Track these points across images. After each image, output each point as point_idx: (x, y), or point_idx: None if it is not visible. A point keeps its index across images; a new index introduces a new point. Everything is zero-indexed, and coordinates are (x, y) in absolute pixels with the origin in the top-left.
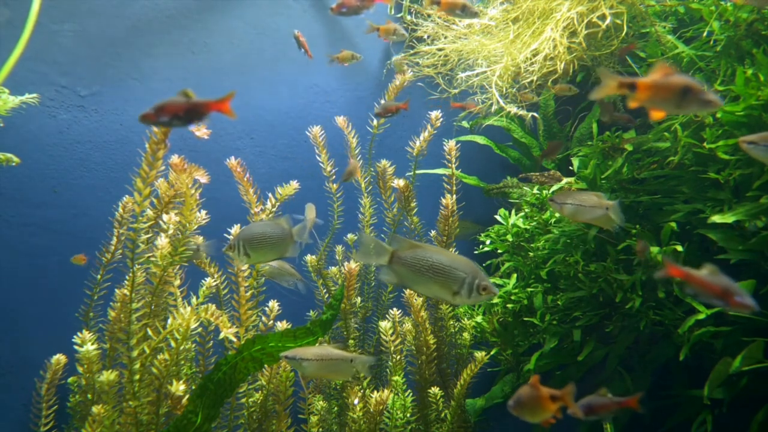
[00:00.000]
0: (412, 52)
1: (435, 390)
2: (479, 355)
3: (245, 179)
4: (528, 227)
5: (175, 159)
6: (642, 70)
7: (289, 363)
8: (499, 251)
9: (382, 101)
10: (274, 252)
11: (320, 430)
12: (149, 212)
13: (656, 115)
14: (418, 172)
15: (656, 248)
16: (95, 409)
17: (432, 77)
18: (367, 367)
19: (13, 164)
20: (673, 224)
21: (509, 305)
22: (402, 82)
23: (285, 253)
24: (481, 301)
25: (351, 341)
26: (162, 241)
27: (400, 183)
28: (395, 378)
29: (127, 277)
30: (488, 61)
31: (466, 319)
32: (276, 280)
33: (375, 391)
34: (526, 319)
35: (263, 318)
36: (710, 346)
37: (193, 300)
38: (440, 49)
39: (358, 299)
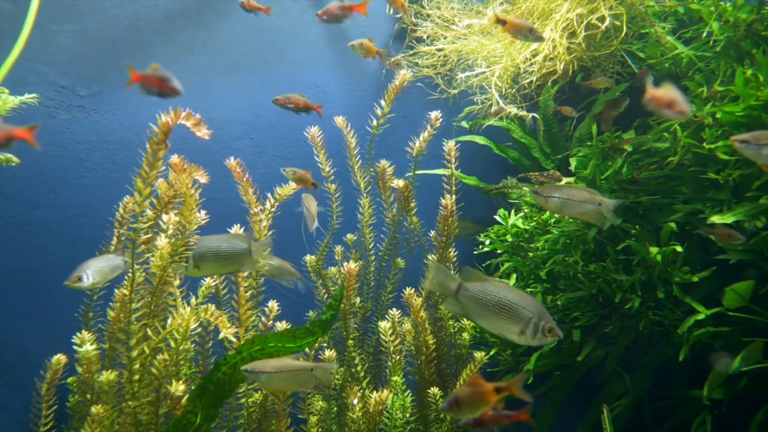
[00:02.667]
0: (411, 52)
1: (434, 390)
2: (479, 355)
3: (245, 179)
4: (527, 227)
5: (174, 159)
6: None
7: (248, 377)
8: (499, 251)
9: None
10: (226, 267)
11: (320, 430)
12: (149, 212)
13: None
14: (417, 172)
15: (656, 248)
16: (94, 409)
17: (431, 77)
18: (329, 374)
19: (13, 164)
20: (673, 224)
21: None
22: (402, 81)
23: (239, 269)
24: (545, 343)
25: (350, 341)
26: (162, 241)
27: (399, 183)
28: (395, 378)
29: (126, 277)
30: (488, 61)
31: (465, 319)
32: (276, 279)
33: (374, 392)
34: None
35: (263, 318)
36: (710, 347)
37: (193, 300)
38: (440, 50)
39: (358, 299)
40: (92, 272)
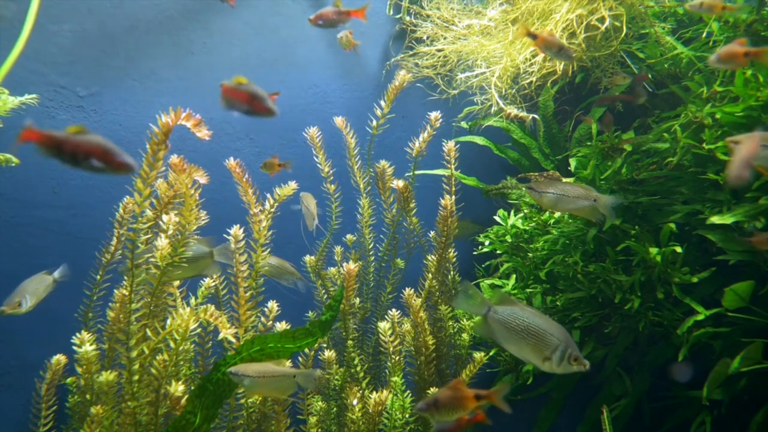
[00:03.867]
0: (411, 53)
1: (434, 391)
2: (478, 355)
3: (244, 180)
4: (527, 228)
5: (174, 159)
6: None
7: (232, 380)
8: (498, 252)
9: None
10: (189, 271)
11: (319, 430)
12: (149, 213)
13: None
14: (417, 172)
15: (655, 249)
16: (94, 409)
17: (431, 78)
18: (310, 381)
19: (13, 165)
20: (672, 225)
21: None
22: (401, 82)
23: (201, 273)
24: (570, 371)
25: (350, 342)
26: (162, 241)
27: (399, 183)
28: (394, 379)
29: (126, 278)
30: (487, 62)
31: (465, 319)
32: (276, 278)
33: (374, 392)
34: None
35: (262, 319)
36: (709, 347)
37: (192, 300)
38: (439, 50)
39: (357, 300)
40: (30, 296)
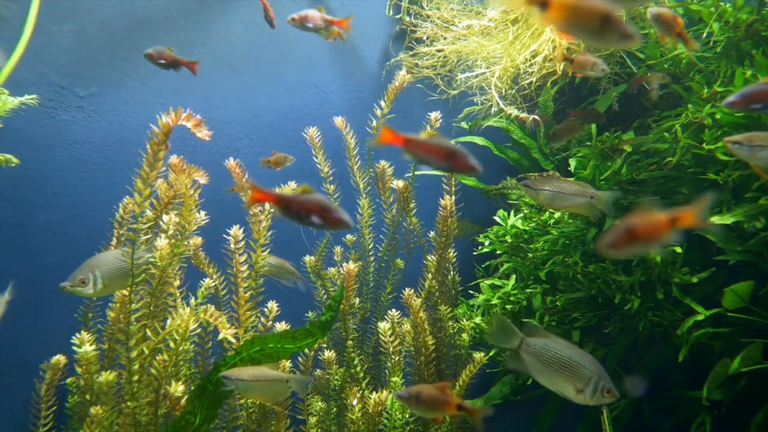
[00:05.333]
0: (411, 53)
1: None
2: (478, 356)
3: (244, 180)
4: (527, 228)
5: (174, 159)
6: (641, 71)
7: (225, 383)
8: (498, 252)
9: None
10: (127, 279)
11: (319, 430)
12: (149, 213)
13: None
14: (417, 173)
15: None
16: (93, 410)
17: (431, 78)
18: (303, 387)
19: (13, 165)
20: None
21: (508, 306)
22: (402, 82)
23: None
24: (603, 403)
25: (350, 342)
26: (161, 241)
27: (399, 184)
28: (394, 379)
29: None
30: (487, 62)
31: (465, 320)
32: (276, 278)
33: (374, 392)
34: (525, 320)
35: (262, 319)
36: (709, 347)
37: (192, 301)
38: (439, 51)
39: (357, 300)
40: None
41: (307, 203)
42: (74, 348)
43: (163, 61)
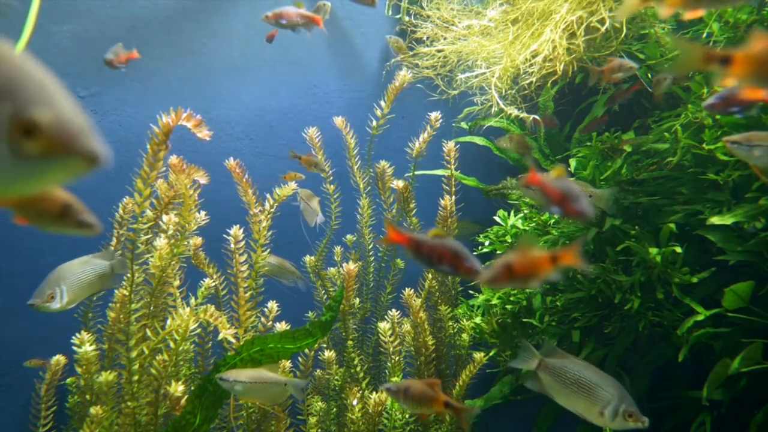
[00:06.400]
0: (411, 53)
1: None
2: (478, 356)
3: (244, 180)
4: (527, 228)
5: (173, 160)
6: (641, 71)
7: (222, 385)
8: (499, 252)
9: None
10: (92, 289)
11: (319, 431)
12: (149, 213)
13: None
14: (417, 173)
15: (655, 249)
16: (93, 410)
17: (431, 78)
18: (299, 391)
19: None
20: (672, 225)
21: (508, 306)
22: (402, 82)
23: (105, 288)
24: (625, 427)
25: (350, 342)
26: (161, 241)
27: (399, 184)
28: (394, 379)
29: (125, 278)
30: (487, 62)
31: (465, 320)
32: (276, 278)
33: (374, 392)
34: (525, 320)
35: (262, 319)
36: (709, 347)
37: (192, 301)
38: (439, 51)
39: (357, 300)
40: None
41: (438, 248)
42: (74, 348)
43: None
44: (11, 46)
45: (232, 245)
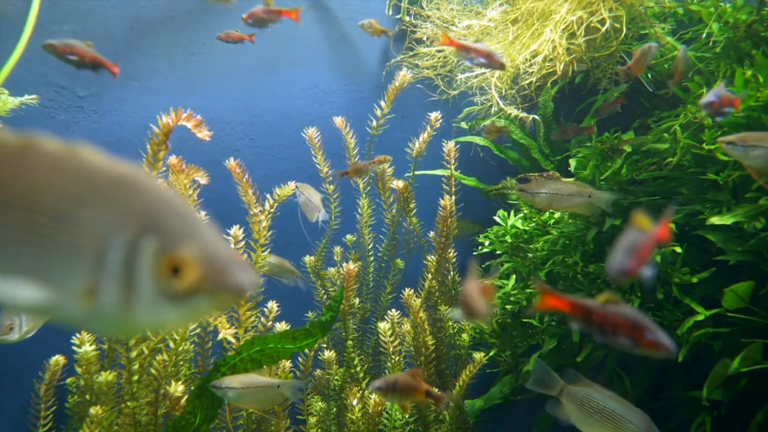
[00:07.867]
0: (411, 53)
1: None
2: (478, 356)
3: (244, 180)
4: (527, 228)
5: (173, 160)
6: (642, 74)
7: (215, 392)
8: (498, 252)
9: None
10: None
11: (319, 430)
12: None
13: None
14: (417, 173)
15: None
16: (93, 410)
17: (431, 78)
18: (294, 391)
19: None
20: (672, 225)
21: (508, 306)
22: (401, 82)
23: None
24: None
25: (350, 342)
26: None
27: (399, 184)
28: None
29: None
30: None
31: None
32: (276, 277)
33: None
34: (525, 320)
35: (262, 319)
36: (709, 347)
37: None
38: (439, 51)
39: (357, 300)
40: None
41: (613, 318)
42: (74, 348)
43: (75, 58)
44: (148, 173)
45: (232, 245)
